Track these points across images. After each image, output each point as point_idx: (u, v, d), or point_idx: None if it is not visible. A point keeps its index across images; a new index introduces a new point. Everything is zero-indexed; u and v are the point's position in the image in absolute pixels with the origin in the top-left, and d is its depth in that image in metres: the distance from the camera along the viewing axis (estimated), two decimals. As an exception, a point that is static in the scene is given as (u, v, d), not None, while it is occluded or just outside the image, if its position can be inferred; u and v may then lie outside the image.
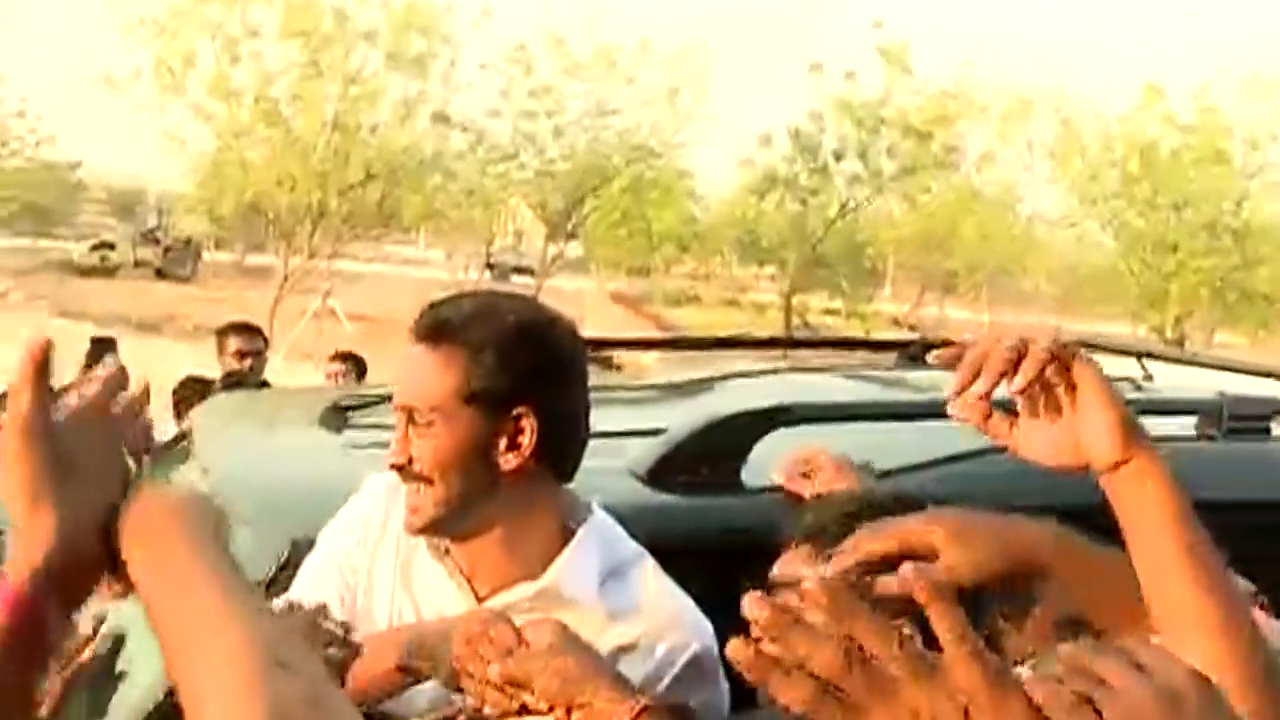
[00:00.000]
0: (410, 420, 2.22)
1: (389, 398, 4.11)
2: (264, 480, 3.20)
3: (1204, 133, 34.79)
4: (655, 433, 3.14)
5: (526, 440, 2.20)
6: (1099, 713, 1.01)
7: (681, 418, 3.20)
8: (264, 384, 7.31)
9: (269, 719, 1.11)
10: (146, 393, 1.49)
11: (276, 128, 30.61)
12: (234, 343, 7.10)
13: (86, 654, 2.25)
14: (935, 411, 3.61)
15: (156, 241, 50.29)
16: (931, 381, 4.43)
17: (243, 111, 30.59)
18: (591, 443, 3.13)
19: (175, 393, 6.84)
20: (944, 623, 1.05)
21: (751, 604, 1.09)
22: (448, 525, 2.25)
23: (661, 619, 2.30)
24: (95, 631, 2.28)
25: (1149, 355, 4.78)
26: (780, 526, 2.31)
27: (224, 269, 49.93)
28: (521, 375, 2.20)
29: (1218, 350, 30.25)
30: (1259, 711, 1.41)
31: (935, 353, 1.65)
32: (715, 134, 40.04)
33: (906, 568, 1.09)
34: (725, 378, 4.35)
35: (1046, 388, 1.59)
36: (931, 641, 1.06)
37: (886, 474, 2.98)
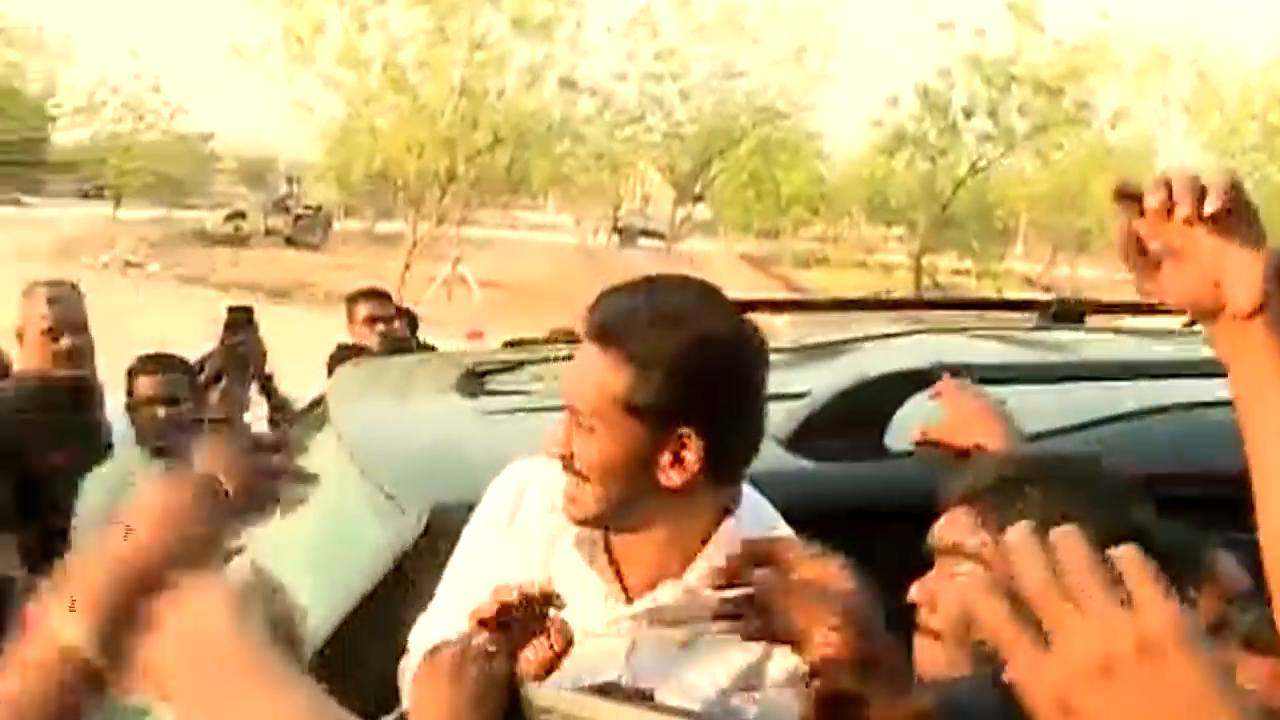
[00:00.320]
0: (575, 417, 2.17)
1: (524, 363, 4.13)
2: (402, 448, 3.19)
3: (1348, 81, 34.01)
4: (796, 396, 3.05)
5: (691, 458, 2.10)
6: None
7: (823, 381, 3.12)
8: (428, 347, 7.28)
9: None
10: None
11: (404, 94, 30.86)
12: (364, 310, 7.09)
13: None
14: (1082, 374, 3.56)
15: (287, 210, 50.94)
16: (1075, 342, 4.34)
17: (371, 79, 30.87)
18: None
19: (331, 359, 6.86)
20: (1134, 566, 1.04)
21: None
22: (605, 522, 2.19)
23: None
24: None
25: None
26: (925, 491, 2.24)
27: (353, 236, 50.46)
28: (690, 395, 2.09)
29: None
30: None
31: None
32: (844, 94, 39.93)
33: None
34: (864, 339, 4.27)
35: (1206, 222, 1.55)
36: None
37: (1036, 437, 2.90)
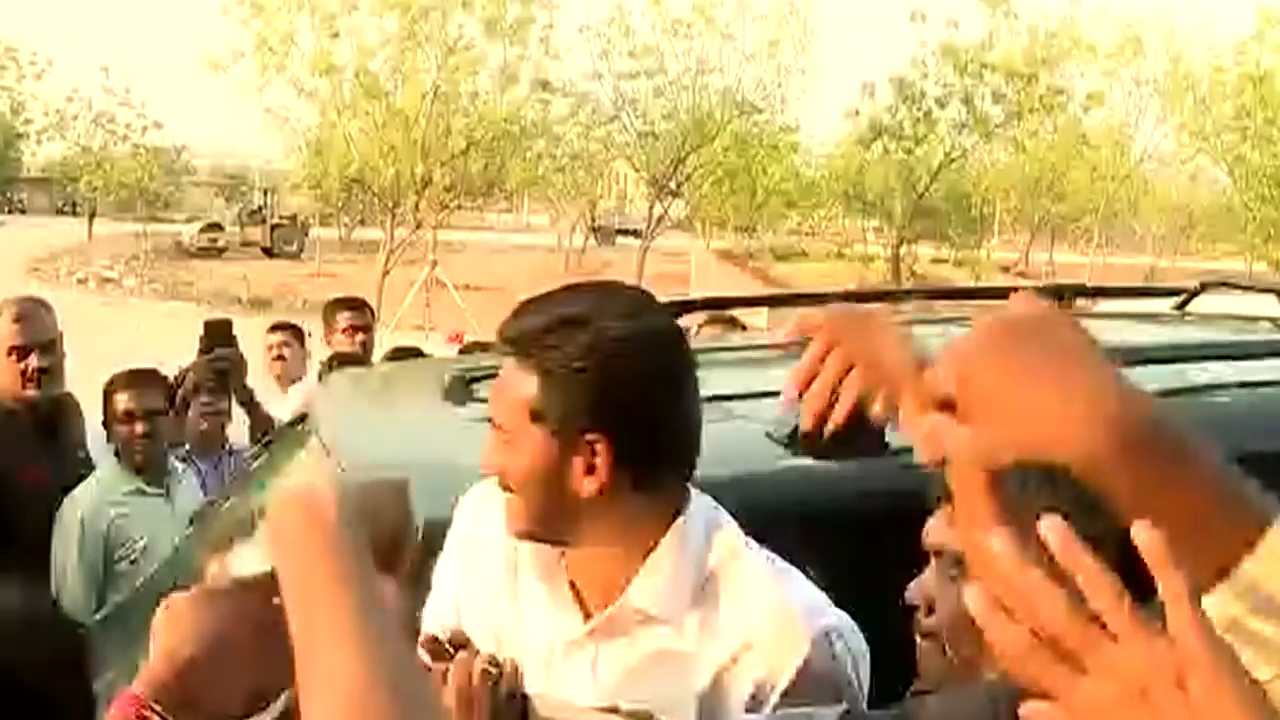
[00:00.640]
0: (498, 431, 2.14)
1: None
2: (390, 459, 3.14)
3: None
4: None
5: (601, 464, 2.04)
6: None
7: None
8: (416, 351, 7.19)
9: None
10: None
11: (378, 101, 30.75)
12: (342, 319, 7.04)
13: None
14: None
15: (263, 220, 50.97)
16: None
17: (344, 86, 30.75)
18: (726, 405, 3.04)
19: (322, 368, 6.79)
20: (1171, 584, 0.99)
21: (998, 540, 1.05)
22: (538, 535, 2.14)
23: (763, 628, 2.09)
24: None
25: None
26: (925, 489, 2.18)
27: (331, 244, 50.46)
28: (594, 401, 2.03)
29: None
30: None
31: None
32: (818, 87, 39.96)
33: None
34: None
35: None
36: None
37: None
